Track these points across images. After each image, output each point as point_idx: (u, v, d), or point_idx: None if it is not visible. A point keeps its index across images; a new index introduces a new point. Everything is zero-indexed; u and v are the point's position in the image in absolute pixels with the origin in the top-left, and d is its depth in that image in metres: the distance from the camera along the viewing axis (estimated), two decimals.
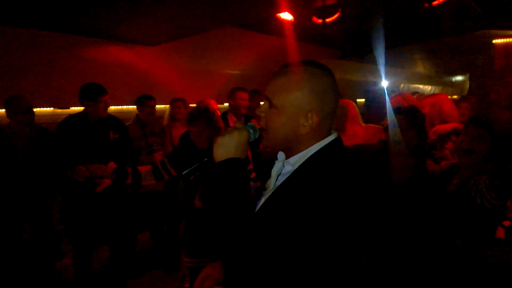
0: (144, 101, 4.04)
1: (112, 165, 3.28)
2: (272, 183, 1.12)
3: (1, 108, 3.72)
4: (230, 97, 4.04)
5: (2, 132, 3.16)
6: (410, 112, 2.25)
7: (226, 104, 6.68)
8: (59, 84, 4.16)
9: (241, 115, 4.05)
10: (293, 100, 1.05)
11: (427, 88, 12.17)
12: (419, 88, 11.56)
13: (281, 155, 1.18)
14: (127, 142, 3.43)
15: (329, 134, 1.11)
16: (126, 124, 3.89)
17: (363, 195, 1.01)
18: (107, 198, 3.24)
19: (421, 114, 2.29)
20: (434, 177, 2.14)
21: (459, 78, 14.52)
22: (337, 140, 1.11)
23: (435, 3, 4.25)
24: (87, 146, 3.22)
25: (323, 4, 4.13)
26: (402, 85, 10.90)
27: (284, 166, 1.11)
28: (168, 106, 4.47)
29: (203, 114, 2.52)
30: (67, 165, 3.13)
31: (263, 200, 1.10)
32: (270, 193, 1.09)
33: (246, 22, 4.91)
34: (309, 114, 1.05)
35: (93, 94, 3.17)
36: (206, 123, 2.50)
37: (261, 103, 1.15)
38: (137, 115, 4.06)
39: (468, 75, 14.34)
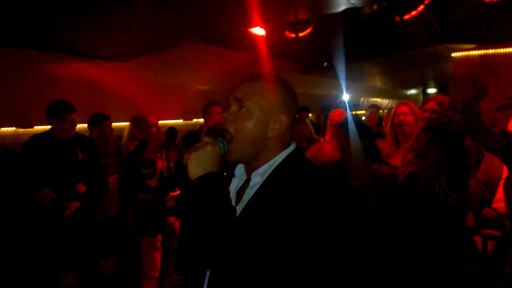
0: (102, 121, 3.85)
1: (81, 186, 3.14)
2: (234, 198, 1.16)
3: None
4: (205, 112, 4.02)
5: None
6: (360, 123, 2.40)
7: (195, 120, 6.69)
8: (21, 102, 3.95)
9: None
10: (265, 104, 1.10)
11: (385, 102, 12.79)
12: (377, 101, 12.13)
13: (239, 170, 1.23)
14: (97, 162, 3.29)
15: (290, 143, 1.17)
16: None
17: (332, 199, 1.06)
18: (73, 223, 3.07)
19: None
20: (394, 183, 2.27)
21: (413, 91, 15.43)
22: (298, 149, 1.18)
23: (406, 17, 4.42)
24: (54, 167, 3.06)
25: (295, 19, 4.26)
26: (362, 99, 11.40)
27: (252, 178, 1.12)
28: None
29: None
30: (32, 187, 2.96)
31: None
32: (242, 207, 1.09)
33: (217, 37, 4.95)
34: (278, 118, 1.10)
35: (58, 112, 3.03)
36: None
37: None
38: (90, 134, 3.85)
39: (421, 89, 15.28)
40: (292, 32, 4.51)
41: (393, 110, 3.03)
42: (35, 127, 4.08)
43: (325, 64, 7.47)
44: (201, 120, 4.05)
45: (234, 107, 1.12)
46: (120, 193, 3.90)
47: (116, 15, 3.52)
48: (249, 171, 1.16)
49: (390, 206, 2.12)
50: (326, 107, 6.74)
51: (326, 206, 1.02)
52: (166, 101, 5.34)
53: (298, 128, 5.02)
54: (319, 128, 6.25)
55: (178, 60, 5.57)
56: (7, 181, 3.01)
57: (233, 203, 1.11)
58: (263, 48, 5.54)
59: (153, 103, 5.14)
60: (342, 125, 2.28)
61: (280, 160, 1.11)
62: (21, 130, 4.02)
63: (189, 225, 1.19)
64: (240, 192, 1.18)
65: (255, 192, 1.09)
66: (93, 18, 3.53)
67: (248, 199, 1.09)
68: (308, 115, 6.54)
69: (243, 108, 1.10)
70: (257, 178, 1.11)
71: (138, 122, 3.57)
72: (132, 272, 3.89)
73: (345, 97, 7.85)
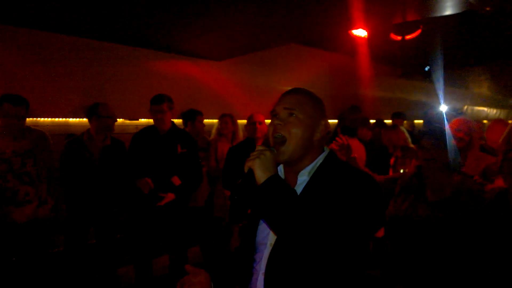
0: (195, 116, 4.12)
1: (176, 179, 3.30)
2: None
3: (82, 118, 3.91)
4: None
5: (80, 140, 3.28)
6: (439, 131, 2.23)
7: None
8: (128, 96, 4.29)
9: None
10: (312, 112, 1.28)
11: (493, 111, 11.38)
12: (483, 110, 10.84)
13: (279, 169, 1.36)
14: (194, 157, 3.42)
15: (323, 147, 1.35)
16: None
17: (376, 190, 1.20)
18: (169, 211, 3.24)
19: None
20: (481, 200, 2.06)
21: None
22: (332, 151, 1.35)
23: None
24: (155, 158, 3.26)
25: (403, 20, 3.95)
26: (465, 107, 10.29)
27: (298, 178, 1.28)
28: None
29: None
30: (135, 175, 3.20)
31: None
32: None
33: (315, 38, 4.82)
34: (323, 121, 1.31)
35: (150, 104, 3.23)
36: None
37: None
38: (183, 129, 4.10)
39: None
40: (399, 34, 4.17)
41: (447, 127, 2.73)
42: (140, 119, 4.40)
43: (427, 68, 6.86)
44: None
45: (283, 115, 1.27)
46: (209, 185, 4.08)
47: (216, 15, 3.61)
48: (289, 172, 1.33)
49: (475, 223, 1.95)
50: (401, 114, 6.16)
51: (373, 198, 1.18)
52: (258, 101, 5.37)
53: (391, 136, 4.68)
54: (414, 136, 5.72)
55: (272, 61, 5.56)
56: (114, 167, 3.30)
57: None
58: (361, 50, 5.27)
59: (244, 102, 5.21)
60: (435, 134, 2.13)
61: (321, 161, 1.29)
62: (128, 121, 4.37)
63: (262, 215, 1.29)
64: None
65: (304, 188, 1.25)
66: (195, 18, 3.66)
67: (298, 194, 1.24)
68: (403, 122, 6.04)
69: (293, 115, 1.26)
70: (304, 177, 1.28)
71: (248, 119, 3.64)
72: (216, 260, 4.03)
73: (443, 107, 7.10)
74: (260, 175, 1.16)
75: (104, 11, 3.35)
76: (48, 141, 3.04)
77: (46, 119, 3.78)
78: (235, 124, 4.28)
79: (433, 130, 2.21)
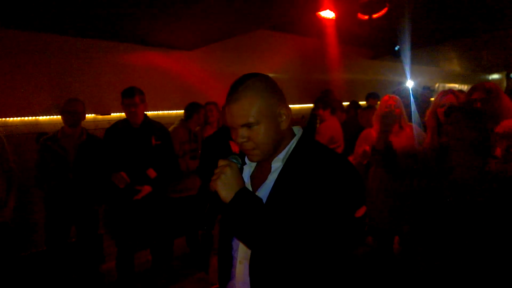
0: (199, 109, 4.16)
1: (152, 172, 3.29)
2: (249, 185, 1.31)
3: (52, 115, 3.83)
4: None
5: (54, 137, 3.23)
6: (471, 110, 2.13)
7: None
8: (99, 91, 4.22)
9: None
10: (264, 109, 1.19)
11: (463, 87, 11.73)
12: (454, 87, 11.15)
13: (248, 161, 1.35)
14: (169, 149, 3.42)
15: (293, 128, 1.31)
16: (171, 127, 3.94)
17: (352, 168, 1.18)
18: (147, 204, 3.24)
19: (480, 112, 2.16)
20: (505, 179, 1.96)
21: (495, 76, 13.93)
22: (305, 132, 1.31)
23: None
24: (129, 152, 3.23)
25: (368, 0, 4.00)
26: (437, 85, 10.55)
27: (272, 164, 1.26)
28: None
29: None
30: (111, 170, 3.18)
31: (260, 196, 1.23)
32: (267, 190, 1.23)
33: (284, 22, 4.82)
34: (281, 110, 1.23)
35: (122, 97, 3.20)
36: None
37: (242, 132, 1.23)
38: (182, 119, 4.09)
39: (505, 73, 13.74)
40: (366, 13, 4.23)
41: (412, 104, 2.79)
42: (112, 114, 4.34)
43: (397, 47, 6.98)
44: None
45: (242, 130, 1.21)
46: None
47: (183, 4, 3.57)
48: (266, 159, 1.28)
49: (503, 206, 1.86)
50: (375, 94, 6.29)
51: (349, 179, 1.15)
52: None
53: (366, 116, 4.77)
54: None
55: (244, 48, 5.55)
56: (91, 163, 3.26)
57: (249, 187, 1.29)
58: (331, 33, 5.32)
59: (220, 91, 5.20)
60: (464, 111, 2.03)
61: (294, 145, 1.26)
62: (100, 116, 4.31)
63: (235, 233, 1.29)
64: (256, 177, 1.32)
65: (279, 174, 1.22)
66: (161, 8, 3.61)
67: (273, 181, 1.22)
68: (377, 102, 6.17)
69: (251, 127, 1.20)
70: (278, 164, 1.25)
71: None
72: (199, 250, 4.07)
73: (410, 83, 7.25)
74: (225, 196, 1.15)
75: (69, 4, 3.26)
76: (1, 142, 2.96)
77: (15, 118, 3.68)
78: (220, 111, 4.31)
79: (463, 107, 2.07)
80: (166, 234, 3.59)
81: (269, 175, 1.26)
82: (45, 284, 3.30)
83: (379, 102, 6.48)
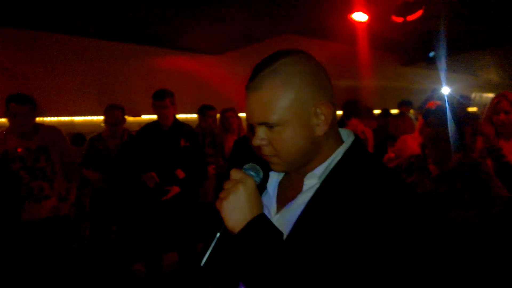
0: (205, 111, 4.07)
1: (180, 172, 3.33)
2: (274, 197, 0.97)
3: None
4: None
5: (99, 136, 3.36)
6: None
7: None
8: (130, 93, 4.33)
9: None
10: (294, 104, 0.85)
11: None
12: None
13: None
14: (197, 151, 3.44)
15: (338, 129, 0.94)
16: None
17: (423, 202, 0.80)
18: (175, 205, 3.26)
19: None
20: None
21: None
22: (358, 141, 0.93)
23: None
24: (159, 153, 3.29)
25: (404, 1, 3.88)
26: (473, 94, 10.12)
27: (305, 181, 0.90)
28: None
29: None
30: (141, 170, 3.24)
31: (277, 221, 0.89)
32: (294, 213, 0.88)
33: (312, 26, 4.79)
34: (318, 109, 0.86)
35: (153, 99, 3.27)
36: None
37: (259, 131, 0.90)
38: (198, 124, 4.10)
39: None
40: (400, 15, 4.10)
41: (491, 105, 2.61)
42: (142, 116, 4.44)
43: (431, 53, 6.77)
44: None
45: (261, 130, 0.89)
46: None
47: (213, 8, 3.62)
48: (296, 171, 0.94)
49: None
50: (408, 101, 6.11)
51: (424, 221, 0.75)
52: None
53: (399, 124, 4.61)
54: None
55: (268, 53, 5.55)
56: (129, 163, 3.36)
57: (274, 202, 0.96)
58: (362, 38, 5.23)
59: (244, 96, 5.22)
60: (440, 112, 2.17)
61: (338, 158, 0.89)
62: (131, 118, 4.41)
63: (241, 278, 0.91)
64: (284, 192, 0.97)
65: (312, 198, 0.86)
66: (192, 13, 3.68)
67: (304, 205, 0.87)
68: (409, 110, 5.98)
69: (273, 128, 0.86)
70: (313, 181, 0.89)
71: None
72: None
73: (445, 90, 6.99)
74: (232, 225, 0.83)
75: (104, 10, 3.39)
76: (61, 136, 3.07)
77: (52, 118, 3.84)
78: (239, 117, 4.26)
79: (438, 109, 2.23)
80: (193, 237, 3.59)
81: (299, 194, 0.90)
82: (79, 277, 3.38)
83: (412, 111, 6.32)
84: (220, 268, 0.95)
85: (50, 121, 3.83)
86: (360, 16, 4.26)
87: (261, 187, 0.96)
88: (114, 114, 3.40)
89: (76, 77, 3.95)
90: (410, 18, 4.06)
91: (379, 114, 5.97)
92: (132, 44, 4.40)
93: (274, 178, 1.00)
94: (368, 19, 4.37)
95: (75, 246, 3.76)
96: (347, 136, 0.95)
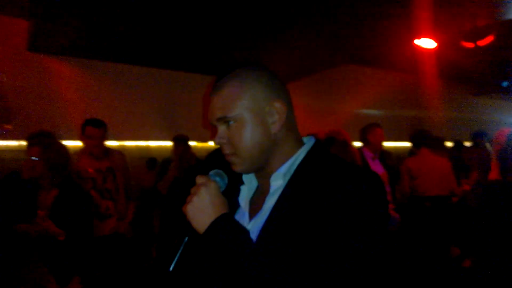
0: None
1: None
2: (247, 208, 0.98)
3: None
4: (366, 133, 3.93)
5: (169, 160, 3.60)
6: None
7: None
8: (199, 120, 4.59)
9: (377, 151, 3.84)
10: (249, 102, 0.91)
11: None
12: None
13: (246, 176, 1.01)
14: None
15: (298, 132, 0.99)
16: None
17: (384, 199, 0.84)
18: None
19: None
20: None
21: None
22: (319, 143, 0.98)
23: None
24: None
25: (473, 26, 3.76)
26: None
27: (271, 183, 0.92)
28: None
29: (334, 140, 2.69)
30: None
31: (251, 228, 0.92)
32: (263, 218, 0.91)
33: (375, 55, 4.78)
34: (272, 107, 0.92)
35: None
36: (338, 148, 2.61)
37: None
38: None
39: None
40: (470, 40, 3.95)
41: None
42: (209, 143, 4.66)
43: (505, 83, 6.36)
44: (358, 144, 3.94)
45: (221, 128, 0.94)
46: None
47: (275, 40, 3.78)
48: (262, 177, 0.98)
49: None
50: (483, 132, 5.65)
51: (378, 208, 0.82)
52: (318, 124, 5.39)
53: (474, 156, 4.32)
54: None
55: (334, 83, 5.60)
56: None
57: (246, 215, 0.97)
58: (429, 66, 5.09)
59: (309, 126, 5.24)
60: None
61: (301, 157, 0.93)
62: (200, 144, 4.64)
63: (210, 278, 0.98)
64: (255, 201, 0.99)
65: (279, 198, 0.90)
66: (254, 44, 3.88)
67: (271, 207, 0.90)
68: (484, 141, 5.60)
69: (231, 122, 0.92)
70: (278, 182, 0.92)
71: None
72: None
73: None
74: (196, 225, 0.89)
75: (180, 45, 3.72)
76: (125, 160, 3.32)
77: (130, 143, 4.17)
78: None
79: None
80: None
81: (267, 197, 0.93)
82: None
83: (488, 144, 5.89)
84: (189, 272, 1.01)
85: (129, 146, 4.16)
86: (427, 43, 4.17)
87: (234, 202, 1.01)
88: (178, 149, 3.57)
89: (151, 105, 4.29)
90: (481, 43, 3.89)
91: (452, 146, 5.70)
92: (202, 75, 4.71)
93: (245, 192, 1.02)
94: (436, 46, 4.26)
95: (139, 266, 3.87)
96: (308, 140, 0.99)
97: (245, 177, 1.02)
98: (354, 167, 0.90)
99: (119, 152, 3.33)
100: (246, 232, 0.87)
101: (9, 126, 1.35)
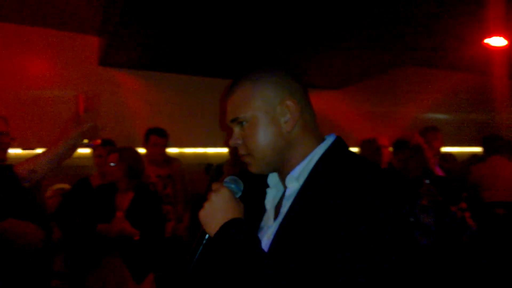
0: None
1: None
2: (272, 215, 0.96)
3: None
4: (425, 136, 3.75)
5: (221, 166, 3.68)
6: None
7: None
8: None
9: (436, 154, 3.67)
10: (261, 103, 0.91)
11: None
12: None
13: (272, 179, 1.00)
14: None
15: (319, 132, 0.96)
16: None
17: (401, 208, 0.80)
18: None
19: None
20: None
21: None
22: (340, 140, 0.93)
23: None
24: None
25: None
26: None
27: (288, 186, 0.91)
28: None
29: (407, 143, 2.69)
30: None
31: (266, 237, 0.91)
32: (277, 226, 0.89)
33: (441, 55, 4.54)
34: (284, 105, 0.90)
35: None
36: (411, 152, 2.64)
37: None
38: None
39: None
40: None
41: None
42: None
43: None
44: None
45: (236, 130, 0.95)
46: None
47: (333, 43, 3.73)
48: (283, 178, 0.95)
49: None
50: None
51: (396, 218, 0.76)
52: (380, 128, 5.21)
53: None
54: None
55: (395, 86, 5.40)
56: None
57: (272, 219, 0.95)
58: (498, 66, 4.74)
59: (366, 131, 5.11)
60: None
61: (317, 157, 0.90)
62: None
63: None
64: (280, 204, 0.96)
65: (293, 201, 0.88)
66: (311, 49, 3.85)
67: (285, 212, 0.88)
68: None
69: (244, 123, 0.92)
70: (294, 185, 0.90)
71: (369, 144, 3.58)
72: None
73: None
74: (209, 231, 0.90)
75: (232, 53, 3.82)
76: (183, 168, 3.48)
77: (189, 150, 4.35)
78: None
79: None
80: None
81: (283, 201, 0.92)
82: None
83: None
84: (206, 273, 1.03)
85: (188, 152, 4.35)
86: (497, 41, 3.91)
87: (261, 206, 1.01)
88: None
89: (209, 113, 4.44)
90: None
91: None
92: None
93: (271, 196, 1.01)
94: (507, 44, 3.97)
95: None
96: (328, 136, 0.96)
97: (270, 180, 1.01)
98: (373, 168, 0.84)
99: (178, 160, 3.49)
100: (254, 237, 0.87)
101: (98, 142, 1.48)
